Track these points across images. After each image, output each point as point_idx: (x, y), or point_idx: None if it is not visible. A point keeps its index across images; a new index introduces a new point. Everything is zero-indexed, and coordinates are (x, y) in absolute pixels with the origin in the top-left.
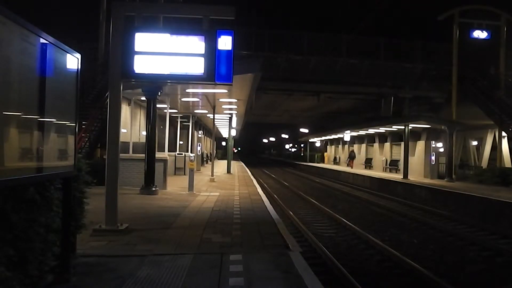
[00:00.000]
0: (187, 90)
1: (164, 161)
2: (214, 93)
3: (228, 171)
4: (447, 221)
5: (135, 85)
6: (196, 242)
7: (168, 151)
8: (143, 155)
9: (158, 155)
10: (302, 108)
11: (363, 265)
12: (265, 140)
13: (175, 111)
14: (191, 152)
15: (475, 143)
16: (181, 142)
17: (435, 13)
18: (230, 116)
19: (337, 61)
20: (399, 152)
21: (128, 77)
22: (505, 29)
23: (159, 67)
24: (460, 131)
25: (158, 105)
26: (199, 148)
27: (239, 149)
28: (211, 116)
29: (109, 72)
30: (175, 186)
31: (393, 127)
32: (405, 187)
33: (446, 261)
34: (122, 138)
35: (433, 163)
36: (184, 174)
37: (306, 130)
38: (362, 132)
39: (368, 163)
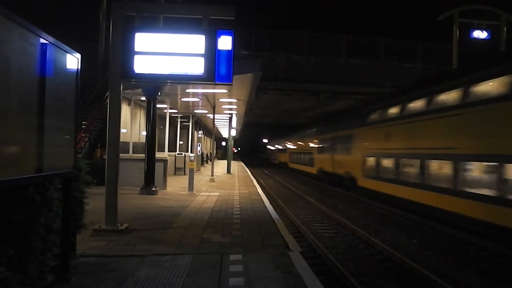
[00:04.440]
0: (187, 90)
1: (164, 161)
2: (214, 93)
3: (228, 171)
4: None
5: (135, 85)
6: (196, 242)
7: (168, 151)
8: (143, 155)
9: (158, 155)
10: (302, 108)
11: (363, 265)
12: (265, 140)
13: (175, 111)
14: (191, 152)
15: None
16: (181, 142)
17: (435, 13)
18: (230, 116)
19: (337, 61)
20: None
21: (128, 77)
22: (505, 29)
23: (159, 67)
24: None
25: (158, 105)
26: (199, 148)
27: (239, 149)
28: (211, 116)
29: (109, 72)
30: (175, 186)
31: None
32: None
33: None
34: (122, 138)
35: None
36: (184, 174)
37: None
38: None
39: None
